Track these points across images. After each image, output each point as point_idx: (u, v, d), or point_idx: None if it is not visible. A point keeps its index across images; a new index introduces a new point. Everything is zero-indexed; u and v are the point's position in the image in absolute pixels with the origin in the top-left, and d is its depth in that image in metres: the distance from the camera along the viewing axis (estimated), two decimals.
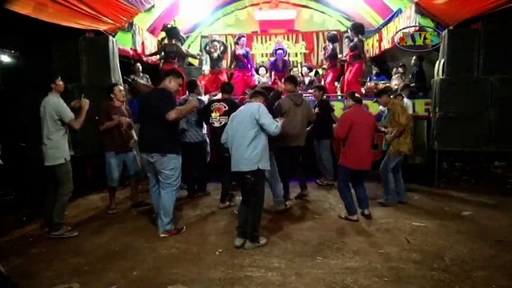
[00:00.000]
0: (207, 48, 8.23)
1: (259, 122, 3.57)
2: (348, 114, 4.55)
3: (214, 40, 8.23)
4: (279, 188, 4.71)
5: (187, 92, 5.72)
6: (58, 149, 4.04)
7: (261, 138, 3.63)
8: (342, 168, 4.54)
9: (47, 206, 4.18)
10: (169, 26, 7.81)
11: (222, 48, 8.10)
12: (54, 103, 4.00)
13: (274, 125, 3.62)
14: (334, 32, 8.70)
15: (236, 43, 8.38)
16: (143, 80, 7.53)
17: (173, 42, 7.65)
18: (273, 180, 4.63)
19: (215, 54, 8.09)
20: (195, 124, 5.30)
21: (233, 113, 3.87)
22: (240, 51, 8.16)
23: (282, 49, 8.50)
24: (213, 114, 4.93)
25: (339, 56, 8.23)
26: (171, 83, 4.03)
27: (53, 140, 4.02)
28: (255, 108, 3.62)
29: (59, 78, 4.20)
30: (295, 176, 5.40)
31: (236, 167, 3.65)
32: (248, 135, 3.57)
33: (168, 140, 3.90)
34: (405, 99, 5.91)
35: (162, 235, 3.99)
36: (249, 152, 3.57)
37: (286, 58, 8.69)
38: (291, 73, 8.99)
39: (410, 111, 5.90)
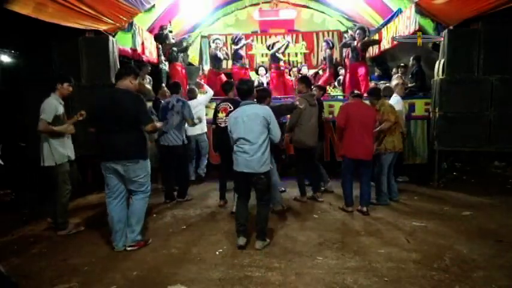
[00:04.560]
0: (213, 51, 8.26)
1: (269, 126, 3.61)
2: (345, 106, 4.94)
3: (217, 38, 8.40)
4: (276, 192, 4.77)
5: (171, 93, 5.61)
6: (50, 150, 4.00)
7: (268, 140, 3.68)
8: (343, 159, 4.80)
9: (51, 204, 4.23)
10: (160, 32, 7.81)
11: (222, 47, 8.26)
12: (44, 103, 3.96)
13: (279, 133, 3.75)
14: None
15: (235, 43, 8.65)
16: (146, 81, 7.48)
17: (166, 42, 7.83)
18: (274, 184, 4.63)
19: (220, 54, 8.20)
20: (175, 127, 5.16)
21: (234, 113, 3.81)
22: (240, 51, 8.60)
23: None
24: (220, 115, 4.88)
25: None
26: (132, 84, 3.62)
27: (46, 141, 4.00)
28: (267, 111, 3.64)
29: (68, 82, 4.15)
30: (309, 176, 5.41)
31: (247, 168, 3.59)
32: (260, 137, 3.59)
33: (139, 145, 3.61)
34: (395, 98, 5.79)
35: (129, 248, 3.64)
36: (260, 154, 3.58)
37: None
38: (290, 73, 9.05)
39: (397, 108, 5.77)
